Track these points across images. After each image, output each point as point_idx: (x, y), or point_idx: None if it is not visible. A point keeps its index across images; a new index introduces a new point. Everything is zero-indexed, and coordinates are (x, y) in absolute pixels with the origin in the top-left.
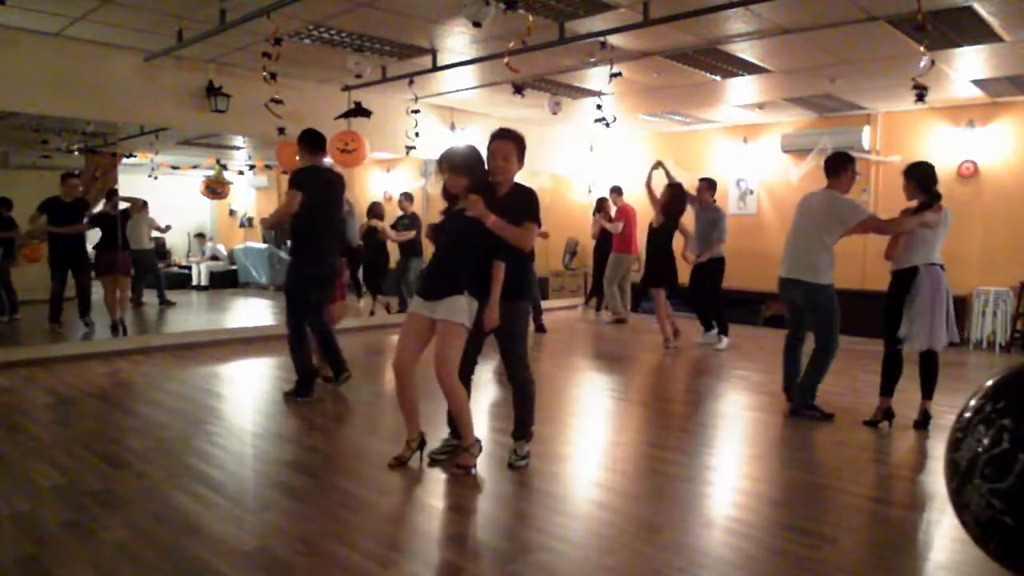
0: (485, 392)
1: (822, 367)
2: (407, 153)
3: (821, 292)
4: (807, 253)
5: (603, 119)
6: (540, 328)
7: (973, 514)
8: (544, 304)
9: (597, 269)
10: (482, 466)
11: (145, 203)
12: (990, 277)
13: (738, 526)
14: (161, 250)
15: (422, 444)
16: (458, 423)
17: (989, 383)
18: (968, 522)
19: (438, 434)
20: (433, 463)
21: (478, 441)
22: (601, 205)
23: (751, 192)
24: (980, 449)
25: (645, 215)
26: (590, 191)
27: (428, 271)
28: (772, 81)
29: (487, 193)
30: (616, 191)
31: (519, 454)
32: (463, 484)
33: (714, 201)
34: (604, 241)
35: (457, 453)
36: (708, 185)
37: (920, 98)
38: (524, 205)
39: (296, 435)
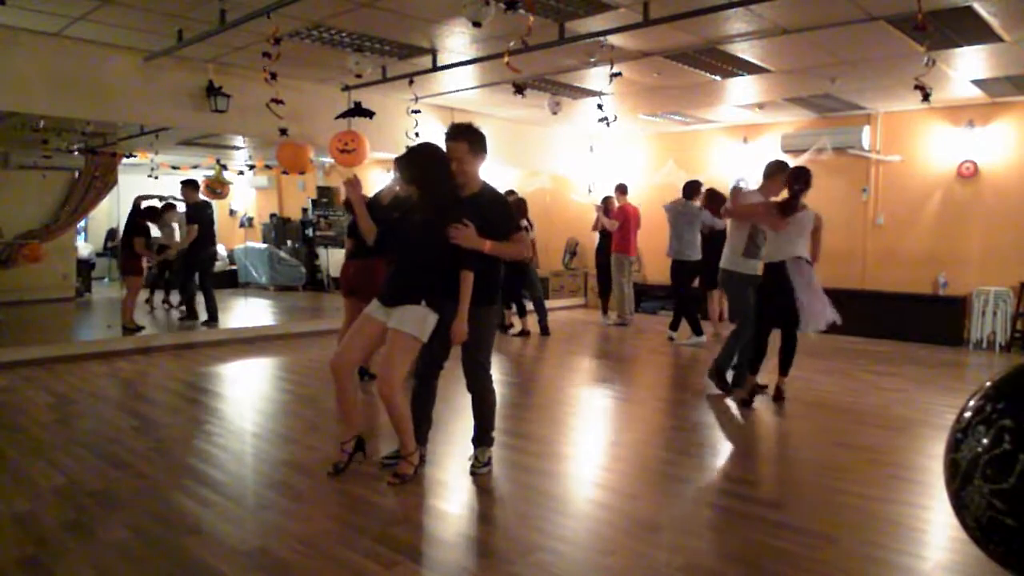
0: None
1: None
2: None
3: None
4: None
5: (604, 118)
6: (544, 331)
7: (974, 515)
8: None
9: (600, 271)
10: None
11: (169, 205)
12: (990, 277)
13: (737, 526)
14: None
15: (359, 447)
16: (398, 432)
17: (989, 383)
18: (968, 523)
19: (443, 436)
20: (384, 466)
21: (418, 450)
22: (606, 202)
23: None
24: (980, 450)
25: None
26: (590, 191)
27: (390, 277)
28: (772, 81)
29: (448, 203)
30: (620, 189)
31: (480, 461)
32: (462, 484)
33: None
34: (604, 242)
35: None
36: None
37: (925, 98)
38: (499, 217)
39: (296, 435)
